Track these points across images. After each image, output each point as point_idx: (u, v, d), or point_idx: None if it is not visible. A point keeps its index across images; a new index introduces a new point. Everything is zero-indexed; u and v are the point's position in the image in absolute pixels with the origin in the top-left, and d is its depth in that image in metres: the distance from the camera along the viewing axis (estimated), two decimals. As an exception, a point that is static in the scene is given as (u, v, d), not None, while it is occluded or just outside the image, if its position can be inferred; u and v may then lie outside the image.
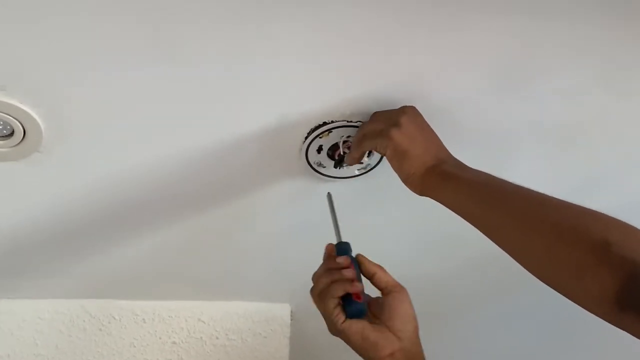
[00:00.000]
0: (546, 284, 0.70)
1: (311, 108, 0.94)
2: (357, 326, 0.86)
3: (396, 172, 0.89)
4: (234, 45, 0.81)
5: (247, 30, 0.79)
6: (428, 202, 0.86)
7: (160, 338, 1.47)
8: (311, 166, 1.03)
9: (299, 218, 0.96)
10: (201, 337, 1.49)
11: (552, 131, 1.05)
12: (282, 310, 1.52)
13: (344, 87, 0.91)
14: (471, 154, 0.89)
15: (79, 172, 1.01)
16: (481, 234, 0.78)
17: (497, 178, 0.81)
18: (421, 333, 0.88)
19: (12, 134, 0.90)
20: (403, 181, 0.89)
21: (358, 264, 0.92)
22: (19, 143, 0.91)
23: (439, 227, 1.26)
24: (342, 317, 0.87)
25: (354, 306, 0.86)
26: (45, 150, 0.94)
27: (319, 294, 0.89)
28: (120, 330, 1.45)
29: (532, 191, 0.76)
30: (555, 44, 0.88)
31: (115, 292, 1.44)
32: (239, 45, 0.82)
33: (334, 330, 0.88)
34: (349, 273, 0.88)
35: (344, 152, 1.01)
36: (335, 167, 1.04)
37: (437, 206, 0.84)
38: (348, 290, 0.87)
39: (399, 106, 0.93)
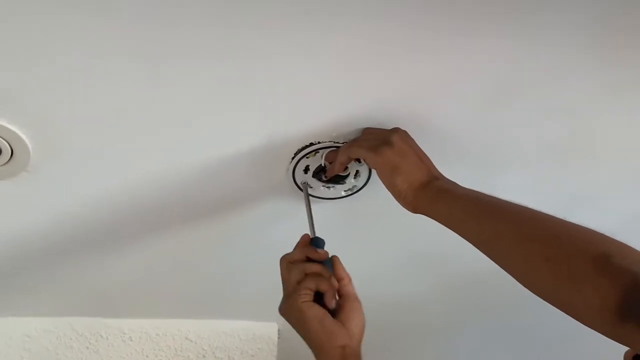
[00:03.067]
0: (543, 297, 0.69)
1: (298, 129, 0.95)
2: (318, 311, 0.88)
3: (388, 189, 0.89)
4: (222, 66, 0.82)
5: (236, 51, 0.80)
6: (412, 223, 0.86)
7: (147, 356, 1.46)
8: (298, 186, 1.04)
9: (286, 237, 0.96)
10: (188, 356, 1.49)
11: (541, 150, 1.06)
12: (269, 329, 1.52)
13: (331, 108, 0.92)
14: (459, 173, 0.89)
15: (67, 191, 1.01)
16: (465, 254, 0.78)
17: (489, 195, 0.81)
18: (403, 350, 0.89)
19: (-1, 153, 0.90)
20: (395, 197, 0.89)
21: (332, 265, 0.94)
22: (6, 162, 0.91)
23: (423, 248, 1.27)
24: (309, 297, 0.88)
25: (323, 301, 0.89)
26: (33, 170, 0.94)
27: (287, 263, 0.93)
28: (107, 349, 1.45)
29: (527, 207, 0.76)
30: (543, 65, 0.89)
31: (103, 310, 1.43)
32: (228, 66, 0.82)
33: (290, 306, 0.89)
34: (336, 284, 0.90)
35: (324, 165, 1.01)
36: (320, 180, 1.04)
37: (422, 227, 0.84)
38: (326, 295, 0.89)
39: (387, 127, 0.94)
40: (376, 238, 1.24)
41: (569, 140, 1.04)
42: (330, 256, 0.95)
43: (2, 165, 0.92)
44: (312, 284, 0.89)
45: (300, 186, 1.04)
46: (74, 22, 0.74)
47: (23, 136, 0.88)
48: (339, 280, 0.93)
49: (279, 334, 1.51)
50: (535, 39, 0.84)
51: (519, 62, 0.87)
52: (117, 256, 1.20)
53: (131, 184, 1.01)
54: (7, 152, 0.89)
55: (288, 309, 0.90)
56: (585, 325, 0.64)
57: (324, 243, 0.96)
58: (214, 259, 1.27)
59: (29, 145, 0.89)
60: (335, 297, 0.91)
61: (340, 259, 0.95)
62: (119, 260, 1.21)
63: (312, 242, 0.96)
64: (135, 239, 1.16)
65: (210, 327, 1.50)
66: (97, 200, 1.03)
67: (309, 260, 0.93)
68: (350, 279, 0.94)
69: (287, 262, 0.94)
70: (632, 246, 0.65)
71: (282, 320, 0.91)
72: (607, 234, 0.68)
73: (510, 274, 0.73)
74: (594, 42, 0.85)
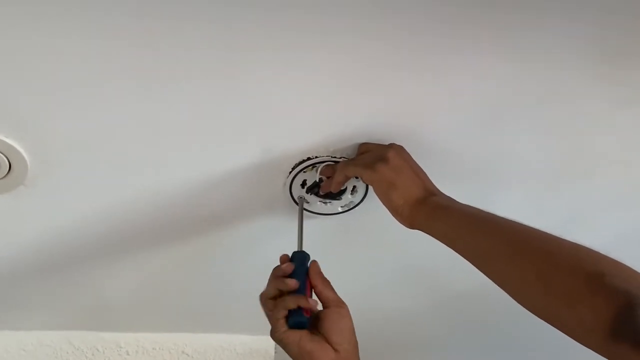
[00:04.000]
0: (536, 314, 0.69)
1: (295, 144, 0.95)
2: (294, 336, 0.86)
3: (384, 205, 0.90)
4: (219, 84, 0.83)
5: (234, 67, 0.81)
6: (408, 239, 0.86)
7: (143, 370, 1.46)
8: (294, 201, 1.04)
9: (283, 251, 0.96)
10: (185, 370, 1.48)
11: (536, 167, 1.06)
12: (265, 343, 1.51)
13: (328, 124, 0.93)
14: (454, 189, 0.90)
15: (64, 205, 1.01)
16: (460, 270, 0.78)
17: (486, 211, 0.81)
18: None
19: (-3, 167, 0.91)
20: (392, 213, 0.89)
21: (309, 271, 0.92)
22: (4, 176, 0.91)
23: (419, 264, 1.27)
24: (283, 326, 0.87)
25: (296, 318, 0.87)
26: (30, 184, 0.94)
27: (266, 300, 0.91)
28: (103, 363, 1.44)
29: (523, 224, 0.76)
30: (537, 84, 0.89)
31: (99, 324, 1.43)
32: (226, 82, 0.83)
33: (274, 336, 0.89)
34: (294, 284, 0.88)
35: (320, 179, 1.02)
36: (317, 195, 1.05)
37: (418, 243, 0.84)
38: (301, 305, 0.87)
39: (383, 142, 0.94)
40: (372, 254, 1.24)
41: (563, 158, 1.05)
42: (310, 260, 0.94)
43: (0, 179, 0.92)
44: (281, 311, 0.88)
45: (297, 200, 1.04)
46: (73, 41, 0.75)
47: (21, 150, 0.88)
48: (312, 287, 0.92)
49: (275, 348, 1.51)
50: (529, 58, 0.85)
51: (513, 80, 0.88)
52: (113, 270, 1.20)
53: (127, 199, 1.02)
54: (5, 166, 0.90)
55: (274, 339, 0.89)
56: (579, 342, 0.64)
57: (307, 257, 0.94)
58: (210, 273, 1.27)
59: (27, 160, 0.90)
60: (311, 308, 0.88)
61: (319, 265, 0.94)
62: (115, 274, 1.21)
63: (292, 257, 0.94)
64: (132, 253, 1.16)
65: (206, 341, 1.50)
66: (94, 214, 1.04)
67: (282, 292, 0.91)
68: (326, 284, 0.92)
69: (264, 299, 0.92)
70: (626, 264, 0.66)
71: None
72: (601, 251, 0.68)
73: (504, 290, 0.74)
74: (588, 62, 0.86)
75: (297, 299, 0.87)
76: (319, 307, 0.90)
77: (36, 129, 0.87)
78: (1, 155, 0.88)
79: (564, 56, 0.85)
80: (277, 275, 0.92)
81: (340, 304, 0.91)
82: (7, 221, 1.03)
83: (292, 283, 0.88)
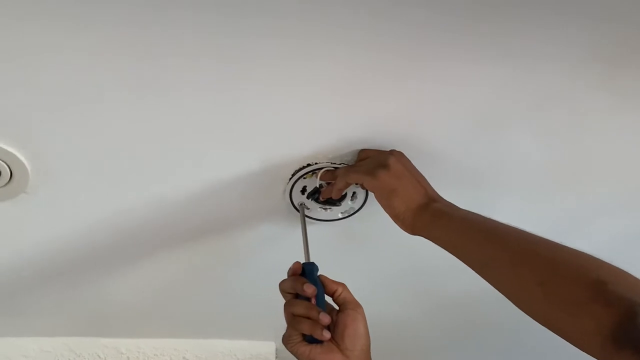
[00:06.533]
0: (538, 321, 0.70)
1: (295, 150, 0.96)
2: (306, 350, 0.87)
3: (386, 211, 0.90)
4: (221, 88, 0.83)
5: (234, 75, 0.81)
6: (409, 245, 0.86)
7: (144, 376, 1.46)
8: (295, 207, 1.04)
9: (283, 257, 0.96)
10: (186, 375, 1.49)
11: (535, 173, 1.07)
12: (267, 348, 1.51)
13: (329, 130, 0.93)
14: (454, 194, 0.90)
15: (65, 212, 1.01)
16: (460, 276, 0.78)
17: (487, 218, 0.82)
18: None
19: (-2, 175, 0.91)
20: (393, 219, 0.89)
21: (322, 284, 0.92)
22: (5, 184, 0.92)
23: (419, 269, 1.27)
24: (296, 339, 0.88)
25: (312, 337, 0.88)
26: (31, 191, 0.95)
27: (289, 315, 0.91)
28: (104, 369, 1.44)
29: (524, 230, 0.77)
30: (535, 90, 0.90)
31: (100, 330, 1.43)
32: (227, 89, 0.83)
33: (287, 347, 0.89)
34: (326, 319, 0.87)
35: (321, 185, 1.02)
36: (317, 202, 1.05)
37: (418, 249, 0.84)
38: (314, 335, 0.87)
39: (384, 149, 0.95)
40: (372, 259, 1.25)
41: (562, 163, 1.05)
42: (318, 274, 0.93)
43: (1, 187, 0.92)
44: (297, 327, 0.88)
45: (297, 207, 1.04)
46: (74, 53, 0.76)
47: (22, 158, 0.89)
48: (332, 293, 0.92)
49: (276, 354, 1.51)
50: (527, 65, 0.85)
51: (512, 87, 0.89)
52: (114, 277, 1.20)
53: (127, 207, 1.02)
54: (6, 174, 0.90)
55: (287, 349, 0.89)
56: (581, 350, 0.65)
57: (317, 269, 0.94)
58: (211, 280, 1.27)
59: (28, 168, 0.90)
60: (324, 327, 0.87)
61: (326, 276, 0.94)
62: (116, 281, 1.21)
63: (304, 269, 0.94)
64: (132, 260, 1.17)
65: (207, 347, 1.50)
66: (95, 222, 1.04)
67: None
68: (344, 287, 0.92)
69: (282, 292, 0.93)
70: (627, 271, 0.66)
71: (280, 339, 0.91)
72: (602, 256, 0.68)
73: (506, 296, 0.74)
74: (587, 68, 0.87)
75: (313, 326, 0.87)
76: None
77: (37, 138, 0.87)
78: (3, 163, 0.89)
79: (562, 62, 0.85)
80: (296, 273, 0.93)
81: (356, 305, 0.91)
82: (9, 228, 1.03)
83: (311, 291, 0.88)
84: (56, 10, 0.70)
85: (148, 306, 1.34)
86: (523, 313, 0.72)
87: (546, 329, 0.70)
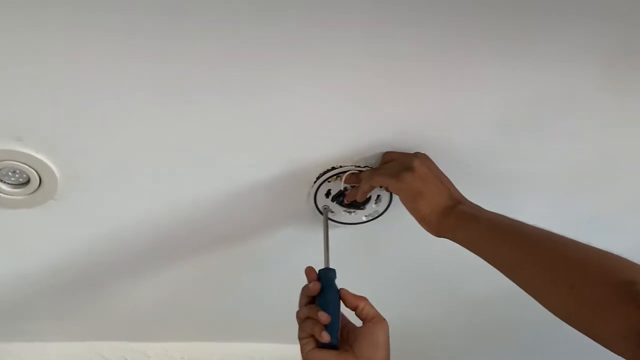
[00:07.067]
0: (568, 323, 0.69)
1: (320, 154, 0.96)
2: (319, 355, 0.86)
3: (411, 213, 0.90)
4: (246, 92, 0.84)
5: (260, 79, 0.82)
6: (433, 248, 0.86)
7: (172, 380, 1.47)
8: (319, 210, 1.05)
9: (307, 261, 0.96)
10: (212, 379, 1.49)
11: (560, 174, 1.06)
12: (292, 351, 1.51)
13: (354, 133, 0.93)
14: (478, 196, 0.90)
15: (92, 217, 1.03)
16: (486, 279, 0.78)
17: (514, 219, 0.81)
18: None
19: (28, 182, 0.92)
20: (419, 222, 0.89)
21: (341, 298, 0.91)
22: (34, 191, 0.93)
23: (443, 272, 1.27)
24: (309, 345, 0.87)
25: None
26: (60, 198, 0.96)
27: (298, 319, 0.91)
28: (132, 372, 1.46)
29: (552, 232, 0.76)
30: (560, 91, 0.90)
31: (127, 334, 1.44)
32: (252, 93, 0.84)
33: (302, 354, 0.89)
34: (323, 317, 0.86)
35: (345, 188, 1.02)
36: (341, 205, 1.05)
37: (441, 252, 0.84)
38: (314, 334, 0.86)
39: (408, 151, 0.95)
40: (397, 263, 1.25)
41: (587, 165, 1.05)
42: (339, 289, 0.92)
43: (30, 194, 0.94)
44: (302, 329, 0.88)
45: (322, 210, 1.05)
46: (100, 61, 0.77)
47: (51, 165, 0.90)
48: (354, 308, 0.90)
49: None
50: (550, 67, 0.85)
51: (534, 89, 0.89)
52: (141, 281, 1.22)
53: (154, 212, 1.03)
54: (35, 180, 0.91)
55: (303, 357, 0.90)
56: (611, 351, 0.64)
57: (334, 274, 0.93)
58: (236, 283, 1.28)
59: (57, 174, 0.91)
60: (327, 330, 0.86)
61: (346, 290, 0.92)
62: (143, 285, 1.23)
63: (320, 275, 0.93)
64: (159, 265, 1.18)
65: (233, 350, 1.50)
66: (122, 227, 1.05)
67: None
68: (365, 302, 0.90)
69: (298, 319, 0.92)
70: None
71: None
72: (630, 257, 0.68)
73: (535, 298, 0.73)
74: (612, 69, 0.86)
75: (313, 327, 0.87)
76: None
77: (66, 145, 0.88)
78: (32, 170, 0.90)
79: (585, 64, 0.85)
80: (305, 294, 0.92)
81: (379, 319, 0.89)
82: (37, 234, 1.05)
83: (324, 317, 0.87)
84: (85, 20, 0.72)
85: (174, 310, 1.35)
86: (545, 316, 0.72)
87: (569, 332, 0.69)
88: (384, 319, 0.90)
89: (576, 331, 0.69)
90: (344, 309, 0.91)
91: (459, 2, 0.74)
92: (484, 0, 0.75)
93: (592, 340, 0.67)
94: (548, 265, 0.73)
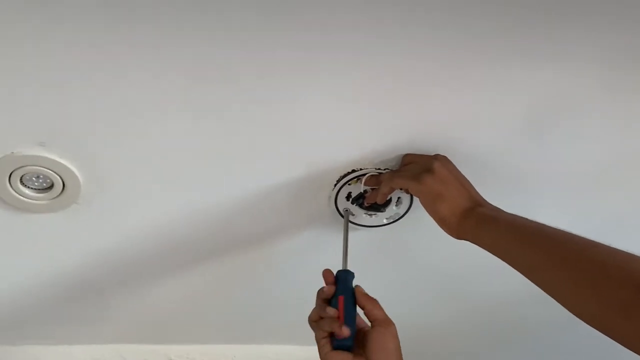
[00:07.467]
0: (590, 324, 0.69)
1: (341, 156, 0.97)
2: (337, 357, 0.86)
3: (431, 216, 0.90)
4: (267, 96, 0.85)
5: (280, 82, 0.83)
6: (453, 250, 0.86)
7: (193, 381, 1.48)
8: (340, 213, 1.05)
9: (327, 263, 0.97)
10: (234, 381, 1.50)
11: (577, 175, 1.06)
12: (312, 353, 1.51)
13: (375, 136, 0.94)
14: (496, 198, 0.90)
15: (115, 221, 1.04)
16: (507, 282, 0.77)
17: (534, 221, 0.81)
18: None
19: (51, 186, 0.93)
20: (439, 224, 0.89)
21: (355, 296, 0.92)
22: (58, 195, 0.94)
23: (460, 274, 1.27)
24: (327, 347, 0.87)
25: (339, 340, 0.87)
26: (83, 202, 0.97)
27: (311, 322, 0.92)
28: (154, 374, 1.46)
29: (572, 233, 0.76)
30: (577, 93, 0.89)
31: (150, 337, 1.45)
32: (273, 96, 0.85)
33: (321, 357, 0.89)
34: (331, 312, 0.87)
35: (365, 191, 1.02)
36: (361, 207, 1.05)
37: (460, 254, 0.84)
38: (334, 331, 0.87)
39: (428, 153, 0.95)
40: (417, 265, 1.24)
41: (604, 165, 1.04)
42: (354, 286, 0.93)
43: (54, 198, 0.95)
44: (321, 332, 0.89)
45: (342, 213, 1.05)
46: (125, 70, 0.78)
47: (74, 170, 0.91)
48: (362, 308, 0.91)
49: (322, 359, 1.52)
50: (568, 68, 0.85)
51: (550, 90, 0.88)
52: (163, 284, 1.22)
53: (176, 216, 1.04)
54: (58, 185, 0.93)
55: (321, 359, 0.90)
56: (633, 351, 0.64)
57: (351, 276, 0.94)
58: (258, 286, 1.28)
59: (80, 179, 0.92)
60: (345, 329, 0.87)
61: (361, 288, 0.93)
62: (165, 288, 1.23)
63: (338, 276, 0.94)
64: (181, 268, 1.18)
65: (255, 352, 1.51)
66: (144, 231, 1.06)
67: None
68: (375, 303, 0.91)
69: (310, 322, 0.93)
70: None
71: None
72: None
73: (556, 299, 0.73)
74: (628, 69, 0.86)
75: (330, 323, 0.87)
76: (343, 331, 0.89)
77: (89, 150, 0.89)
78: (55, 175, 0.91)
79: (601, 64, 0.85)
80: (320, 297, 0.93)
81: (387, 323, 0.89)
82: (60, 238, 1.06)
83: (332, 312, 0.88)
84: (114, 33, 0.73)
85: (196, 312, 1.36)
86: (558, 319, 0.72)
87: (582, 335, 0.69)
88: (392, 322, 0.90)
89: (589, 334, 0.68)
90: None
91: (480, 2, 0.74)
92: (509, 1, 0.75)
93: (604, 344, 0.66)
94: (570, 266, 0.72)
